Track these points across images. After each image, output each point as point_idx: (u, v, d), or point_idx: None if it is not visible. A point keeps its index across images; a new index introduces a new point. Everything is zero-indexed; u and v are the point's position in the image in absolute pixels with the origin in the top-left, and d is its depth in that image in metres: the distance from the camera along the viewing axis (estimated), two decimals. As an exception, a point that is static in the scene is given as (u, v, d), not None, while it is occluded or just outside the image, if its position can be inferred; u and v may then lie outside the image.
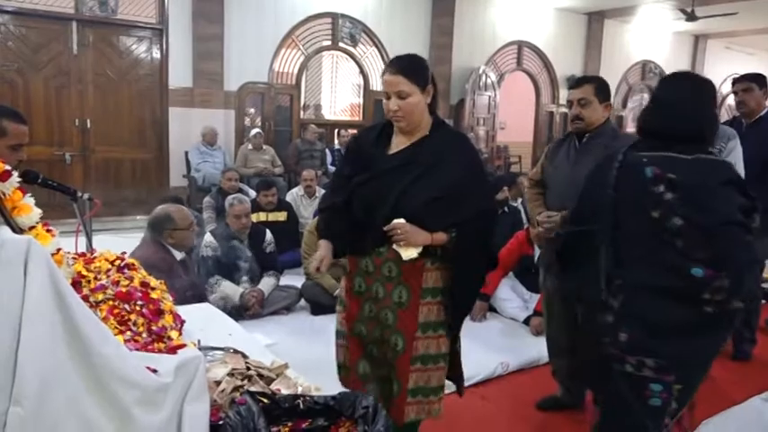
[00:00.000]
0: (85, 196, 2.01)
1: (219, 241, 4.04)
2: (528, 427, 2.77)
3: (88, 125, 6.96)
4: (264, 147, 7.43)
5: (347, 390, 1.83)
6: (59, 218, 3.48)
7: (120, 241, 3.80)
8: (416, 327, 1.92)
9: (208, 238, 4.09)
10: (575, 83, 2.60)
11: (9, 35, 6.49)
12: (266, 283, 4.07)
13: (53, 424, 1.05)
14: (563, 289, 2.44)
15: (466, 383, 3.06)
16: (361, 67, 9.04)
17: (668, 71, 12.61)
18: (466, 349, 3.29)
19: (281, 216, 5.26)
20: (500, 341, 3.64)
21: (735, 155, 3.00)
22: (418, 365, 1.96)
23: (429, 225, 1.85)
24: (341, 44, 8.74)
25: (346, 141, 8.54)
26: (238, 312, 3.80)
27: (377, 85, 9.19)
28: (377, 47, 9.02)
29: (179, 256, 2.99)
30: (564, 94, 10.73)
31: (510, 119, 11.09)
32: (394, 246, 1.86)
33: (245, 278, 4.07)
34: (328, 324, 3.86)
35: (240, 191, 5.53)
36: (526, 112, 11.29)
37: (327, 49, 8.82)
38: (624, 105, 12.17)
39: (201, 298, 2.94)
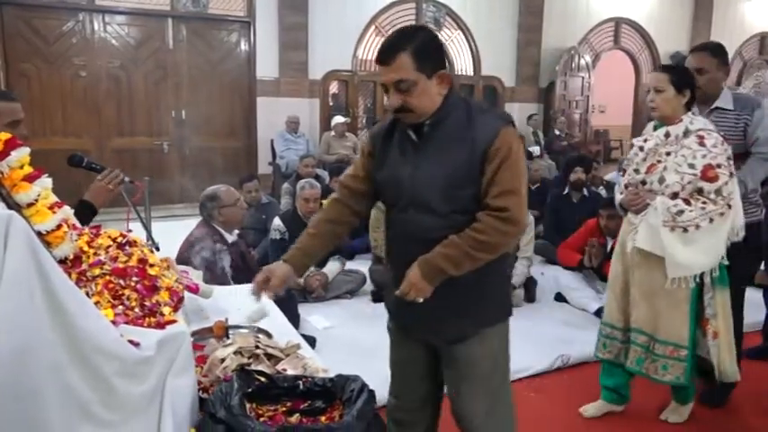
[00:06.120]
0: (126, 179, 2.11)
1: (287, 225, 4.15)
2: (577, 425, 2.63)
3: (183, 116, 7.39)
4: (347, 134, 7.52)
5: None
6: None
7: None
8: None
9: (276, 221, 4.21)
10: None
11: (114, 34, 7.00)
12: (330, 268, 4.13)
13: (33, 391, 1.11)
14: None
15: (518, 376, 2.96)
16: (445, 52, 8.88)
17: (790, 44, 11.45)
18: (523, 340, 3.19)
19: (353, 201, 5.29)
20: (563, 332, 3.45)
21: (765, 124, 2.64)
22: None
23: None
24: (425, 29, 8.63)
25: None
26: (302, 295, 3.90)
27: (462, 69, 9.01)
28: (462, 31, 8.85)
29: (230, 238, 3.08)
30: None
31: (606, 101, 10.50)
32: None
33: (310, 262, 4.15)
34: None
35: (317, 177, 5.63)
36: (624, 93, 10.63)
37: (412, 34, 8.74)
38: (739, 83, 11.12)
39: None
